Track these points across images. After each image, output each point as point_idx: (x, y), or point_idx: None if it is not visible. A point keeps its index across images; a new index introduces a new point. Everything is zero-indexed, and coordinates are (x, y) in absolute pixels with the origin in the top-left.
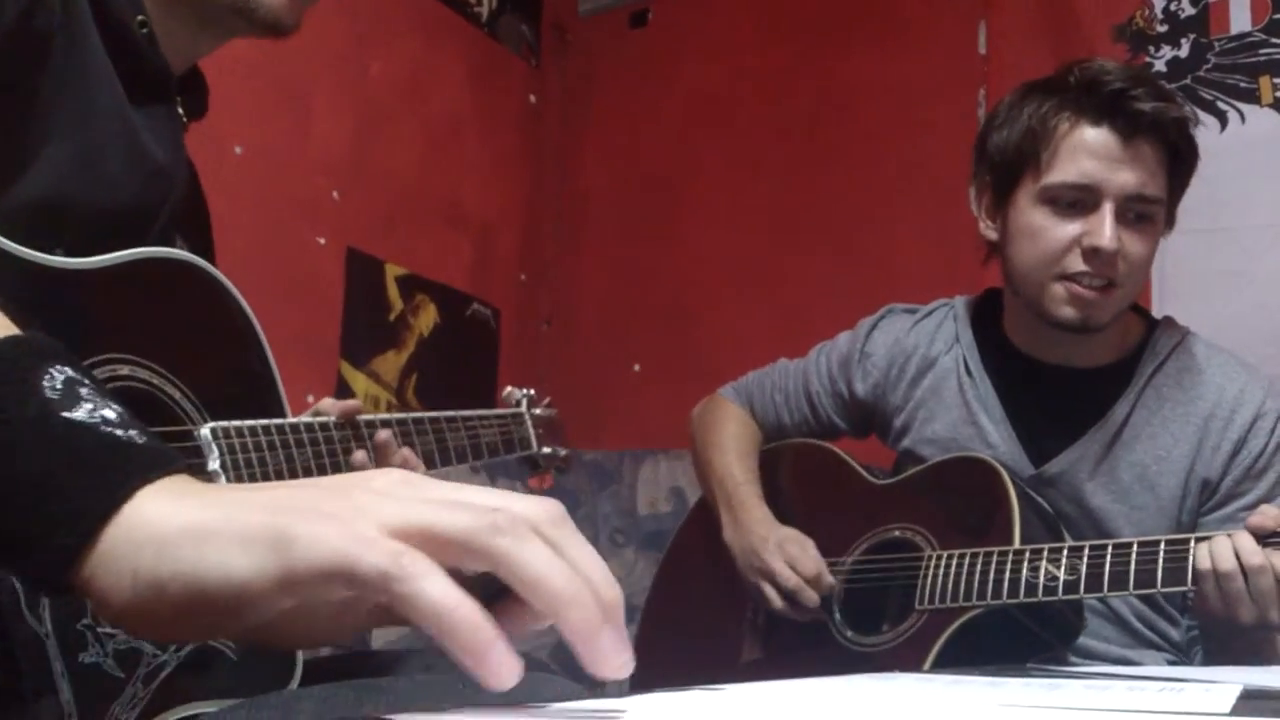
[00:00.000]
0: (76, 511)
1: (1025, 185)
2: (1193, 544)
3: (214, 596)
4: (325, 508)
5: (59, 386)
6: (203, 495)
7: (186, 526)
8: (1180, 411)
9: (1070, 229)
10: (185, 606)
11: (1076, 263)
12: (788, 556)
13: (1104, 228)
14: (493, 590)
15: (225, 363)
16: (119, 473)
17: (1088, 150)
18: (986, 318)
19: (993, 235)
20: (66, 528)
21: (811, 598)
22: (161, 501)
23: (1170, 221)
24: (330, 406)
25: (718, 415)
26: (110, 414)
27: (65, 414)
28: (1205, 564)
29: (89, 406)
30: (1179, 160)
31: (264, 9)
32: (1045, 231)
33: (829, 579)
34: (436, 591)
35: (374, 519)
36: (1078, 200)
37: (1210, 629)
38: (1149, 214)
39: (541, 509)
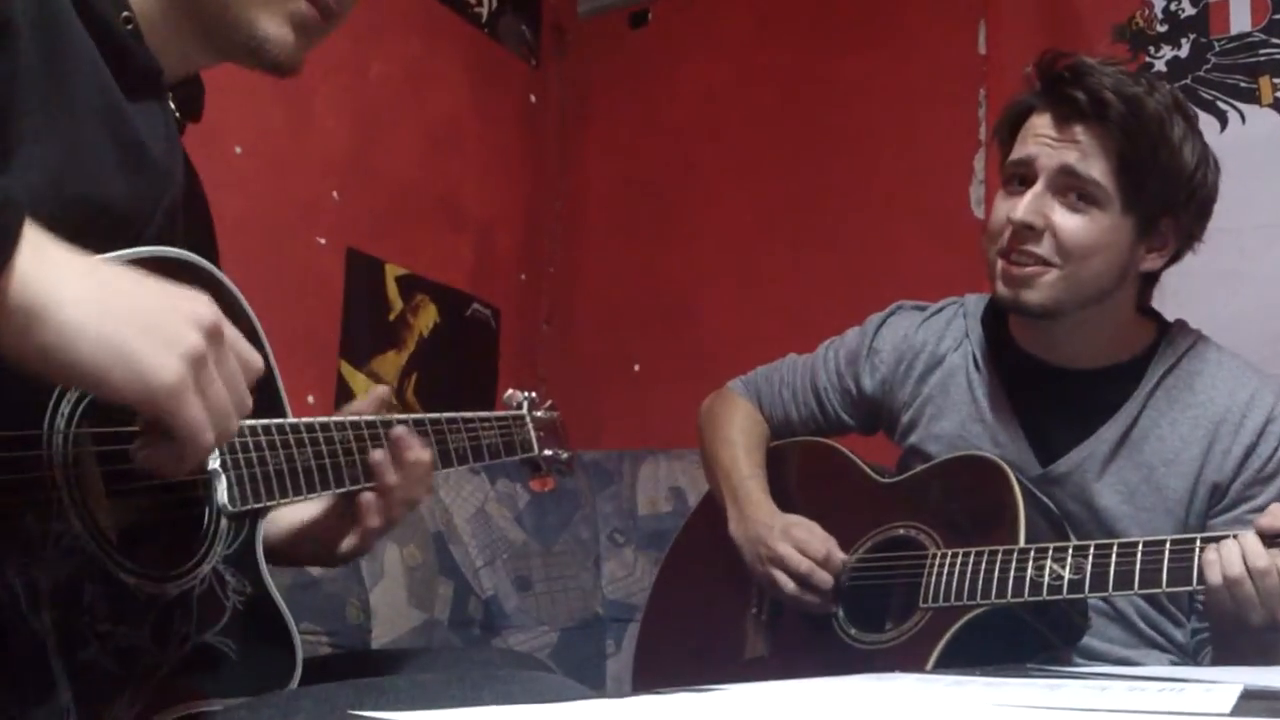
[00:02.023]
0: None
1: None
2: (1198, 545)
3: None
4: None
5: None
6: None
7: None
8: (1191, 415)
9: (1009, 204)
10: None
11: (1007, 235)
12: (795, 540)
13: (1023, 198)
14: None
15: None
16: None
17: (1033, 133)
18: (996, 317)
19: None
20: None
21: (824, 578)
22: None
23: (1159, 225)
24: (362, 406)
25: (725, 409)
26: None
27: None
28: (1214, 567)
29: None
30: (1130, 147)
31: (272, 53)
32: (995, 209)
33: (839, 556)
34: None
35: None
36: (1021, 177)
37: (1220, 629)
38: (1087, 194)
39: None
